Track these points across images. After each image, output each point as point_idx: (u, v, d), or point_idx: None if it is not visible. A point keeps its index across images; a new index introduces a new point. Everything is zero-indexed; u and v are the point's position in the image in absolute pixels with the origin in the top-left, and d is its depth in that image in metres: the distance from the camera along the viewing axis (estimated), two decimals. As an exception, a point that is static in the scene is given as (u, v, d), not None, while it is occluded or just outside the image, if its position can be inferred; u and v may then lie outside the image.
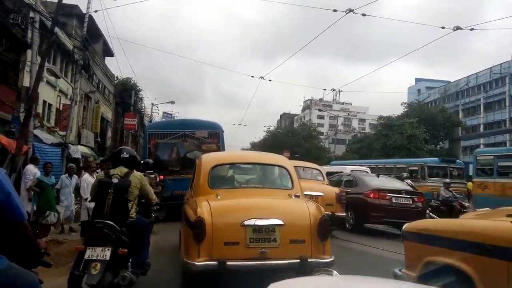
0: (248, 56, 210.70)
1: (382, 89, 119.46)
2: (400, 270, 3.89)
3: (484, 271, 2.94)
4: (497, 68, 51.38)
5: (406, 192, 11.11)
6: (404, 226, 4.09)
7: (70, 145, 15.38)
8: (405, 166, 20.06)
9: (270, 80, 35.36)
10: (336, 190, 10.13)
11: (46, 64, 12.70)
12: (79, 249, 3.99)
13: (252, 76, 51.67)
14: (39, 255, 2.54)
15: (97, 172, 7.73)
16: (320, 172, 11.00)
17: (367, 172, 18.06)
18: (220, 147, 12.79)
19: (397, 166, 21.02)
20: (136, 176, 4.70)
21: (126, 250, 4.10)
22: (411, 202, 10.83)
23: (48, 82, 21.79)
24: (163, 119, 43.22)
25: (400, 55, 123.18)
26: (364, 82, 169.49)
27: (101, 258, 3.83)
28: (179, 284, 5.12)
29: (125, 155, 4.72)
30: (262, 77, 20.39)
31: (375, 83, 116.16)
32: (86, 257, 3.80)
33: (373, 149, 38.97)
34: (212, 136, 13.04)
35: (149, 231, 5.17)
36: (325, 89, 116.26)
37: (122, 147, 5.91)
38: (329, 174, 17.89)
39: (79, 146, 19.40)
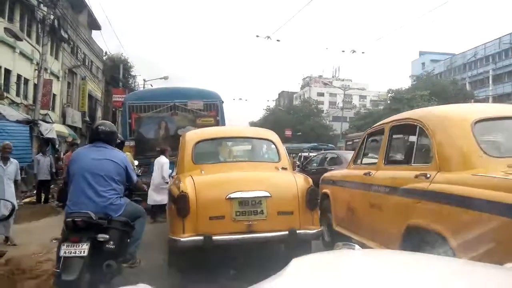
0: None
1: (381, 66, 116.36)
2: None
3: (333, 195, 5.71)
4: (507, 38, 48.78)
5: None
6: (322, 176, 6.44)
7: (41, 122, 12.92)
8: None
9: (278, 40, 32.72)
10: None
11: (5, 23, 10.23)
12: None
13: (257, 36, 39.79)
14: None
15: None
16: None
17: None
18: (219, 121, 10.30)
19: None
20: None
21: None
22: None
23: (23, 55, 19.32)
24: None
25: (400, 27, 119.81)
26: (363, 59, 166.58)
27: None
28: (165, 263, 4.93)
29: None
30: (268, 37, 18.05)
31: (374, 60, 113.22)
32: None
33: (380, 125, 36.60)
34: (209, 107, 10.45)
35: None
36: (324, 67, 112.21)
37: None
38: None
39: (55, 125, 16.89)
